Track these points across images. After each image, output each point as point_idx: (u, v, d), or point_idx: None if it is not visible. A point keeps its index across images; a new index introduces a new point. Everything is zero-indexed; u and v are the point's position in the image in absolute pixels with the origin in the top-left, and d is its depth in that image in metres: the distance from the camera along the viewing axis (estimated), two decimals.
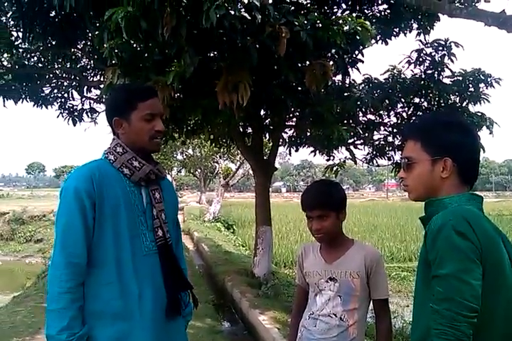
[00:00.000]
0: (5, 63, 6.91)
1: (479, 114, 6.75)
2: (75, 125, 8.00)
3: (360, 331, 1.99)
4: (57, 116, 7.98)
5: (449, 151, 1.41)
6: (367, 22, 4.63)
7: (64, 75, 7.57)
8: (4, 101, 6.94)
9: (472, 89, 6.68)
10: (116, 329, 1.74)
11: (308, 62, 5.11)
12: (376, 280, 1.98)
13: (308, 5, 5.55)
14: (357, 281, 1.97)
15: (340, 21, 4.54)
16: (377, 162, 7.87)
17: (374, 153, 7.71)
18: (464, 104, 6.75)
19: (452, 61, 6.52)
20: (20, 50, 6.82)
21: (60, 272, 1.68)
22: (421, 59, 6.67)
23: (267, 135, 7.80)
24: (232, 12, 3.80)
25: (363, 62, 5.93)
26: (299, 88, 5.83)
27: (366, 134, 7.30)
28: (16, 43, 6.51)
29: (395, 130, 7.20)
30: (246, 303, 5.91)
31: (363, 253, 2.01)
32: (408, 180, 1.50)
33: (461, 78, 6.71)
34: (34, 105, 7.58)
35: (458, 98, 6.80)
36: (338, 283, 1.99)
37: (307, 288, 2.14)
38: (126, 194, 1.80)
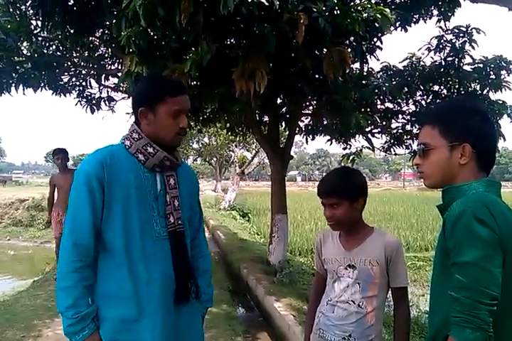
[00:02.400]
0: (24, 51, 6.96)
1: (500, 102, 6.63)
2: (93, 113, 8.07)
3: (378, 318, 1.99)
4: (76, 104, 8.06)
5: (467, 137, 1.39)
6: (386, 9, 4.55)
7: (82, 64, 7.60)
8: (24, 89, 7.00)
9: (493, 77, 6.54)
10: (124, 312, 1.78)
11: (325, 50, 5.06)
12: (395, 269, 1.98)
13: None
14: (376, 269, 1.97)
15: (359, 8, 4.46)
16: (394, 151, 7.80)
17: (392, 141, 7.64)
18: (485, 91, 6.62)
19: (473, 48, 6.40)
20: (40, 39, 6.86)
21: (68, 253, 1.73)
22: (441, 46, 6.55)
23: (283, 123, 7.77)
24: None
25: (381, 49, 5.85)
26: (317, 76, 5.78)
27: (384, 122, 7.22)
28: (35, 32, 6.55)
29: (413, 118, 7.11)
30: (261, 290, 5.94)
31: (383, 242, 2.00)
32: (424, 167, 1.48)
33: (481, 65, 6.58)
34: (53, 93, 7.65)
35: (478, 85, 6.67)
36: (357, 271, 1.99)
37: (325, 275, 2.14)
38: (140, 179, 1.82)
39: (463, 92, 6.58)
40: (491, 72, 6.56)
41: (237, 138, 15.03)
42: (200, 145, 27.25)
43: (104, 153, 1.82)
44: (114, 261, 1.78)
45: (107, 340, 1.77)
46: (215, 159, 29.99)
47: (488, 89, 6.60)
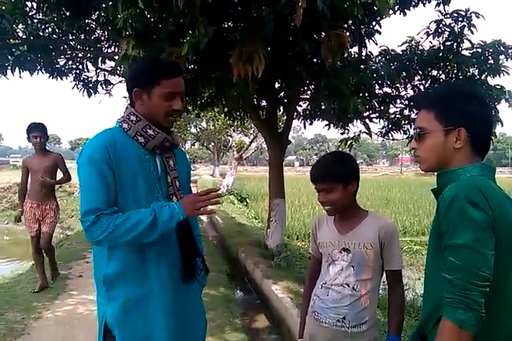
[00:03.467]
0: (20, 34, 6.88)
1: (498, 87, 6.60)
2: (89, 97, 8.01)
3: (373, 301, 2.02)
4: (72, 88, 8.00)
5: (463, 121, 1.40)
6: None
7: (78, 46, 7.52)
8: (20, 72, 6.94)
9: (492, 61, 6.51)
10: (133, 291, 1.80)
11: (324, 33, 5.02)
12: (390, 252, 2.00)
13: None
14: (370, 252, 1.99)
15: None
16: (392, 136, 7.78)
17: (389, 126, 7.62)
18: (483, 76, 6.59)
19: (472, 32, 6.34)
20: (35, 21, 6.76)
21: (93, 229, 1.71)
22: (440, 30, 6.49)
23: (281, 108, 7.74)
24: None
25: (380, 33, 5.82)
26: (315, 60, 5.75)
27: (382, 107, 7.20)
28: (31, 14, 6.45)
29: (411, 103, 7.08)
30: (259, 273, 6.00)
31: (378, 225, 2.02)
32: (420, 151, 1.49)
33: (480, 50, 6.54)
34: (49, 76, 7.58)
35: (477, 70, 6.62)
36: (351, 254, 2.01)
37: (320, 258, 2.16)
38: (142, 162, 1.83)
39: (461, 77, 6.54)
40: (490, 57, 6.52)
41: (235, 123, 14.98)
42: (198, 130, 27.22)
43: (107, 136, 1.82)
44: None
45: (116, 320, 1.79)
46: (213, 144, 29.97)
47: (486, 74, 6.56)
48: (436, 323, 1.33)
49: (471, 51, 6.61)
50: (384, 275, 2.07)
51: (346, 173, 2.03)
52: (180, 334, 1.88)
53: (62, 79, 7.73)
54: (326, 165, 2.06)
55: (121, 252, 1.80)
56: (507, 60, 6.55)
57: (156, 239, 1.74)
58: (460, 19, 6.33)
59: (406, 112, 7.31)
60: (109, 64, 7.88)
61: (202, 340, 2.08)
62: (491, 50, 6.50)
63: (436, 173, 1.49)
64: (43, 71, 7.36)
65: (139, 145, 1.84)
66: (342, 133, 7.95)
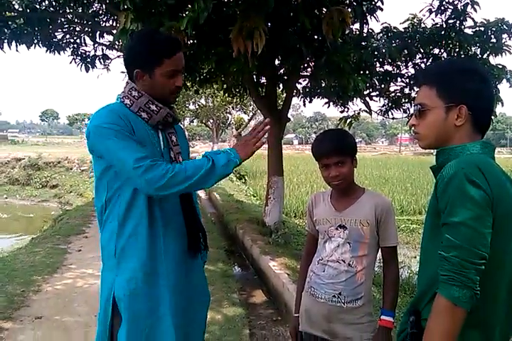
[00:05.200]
0: (16, 6, 6.77)
1: (500, 67, 6.55)
2: (87, 71, 7.93)
3: (368, 277, 2.04)
4: (70, 62, 7.90)
5: (464, 99, 1.37)
6: None
7: (76, 20, 7.41)
8: (17, 45, 6.85)
9: (494, 40, 6.44)
10: (141, 265, 1.81)
11: (325, 9, 4.95)
12: (385, 228, 2.01)
13: None
14: (366, 229, 2.00)
15: None
16: (392, 114, 7.76)
17: (390, 105, 7.59)
18: (485, 55, 6.53)
19: (475, 10, 6.27)
20: None
21: (149, 166, 1.68)
22: (443, 7, 6.42)
23: (281, 85, 7.68)
24: None
25: (382, 9, 5.74)
26: (316, 36, 5.69)
27: (382, 85, 7.15)
28: None
29: (412, 81, 7.04)
30: (257, 250, 6.07)
31: (374, 202, 2.02)
32: (420, 128, 1.47)
33: (483, 28, 6.46)
34: (47, 51, 7.49)
35: (479, 49, 6.57)
36: (347, 231, 2.02)
37: (317, 235, 2.17)
38: (148, 136, 1.83)
39: (463, 56, 6.49)
40: (492, 36, 6.44)
41: (234, 100, 14.90)
42: (197, 107, 27.03)
43: (116, 108, 1.81)
44: (136, 217, 1.80)
45: (123, 294, 1.80)
46: (211, 121, 29.79)
47: (488, 53, 6.50)
48: (431, 299, 1.33)
49: (474, 29, 6.53)
50: (379, 251, 2.09)
51: (352, 147, 2.06)
52: (184, 309, 1.90)
53: (59, 53, 7.65)
54: (335, 139, 2.06)
55: (131, 227, 1.81)
56: (510, 39, 6.49)
57: (213, 184, 1.77)
58: None
59: (406, 90, 7.28)
60: (107, 38, 7.81)
61: (204, 315, 2.12)
62: (493, 29, 6.43)
63: (435, 151, 1.48)
64: (40, 45, 7.27)
65: (143, 121, 1.83)
66: (342, 112, 7.92)
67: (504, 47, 6.46)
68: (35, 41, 7.13)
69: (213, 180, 1.74)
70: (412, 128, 1.51)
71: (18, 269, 5.45)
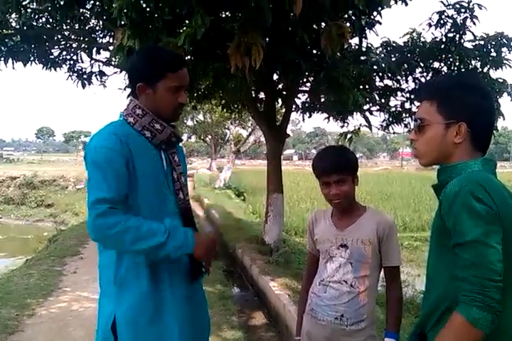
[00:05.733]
0: (13, 24, 6.80)
1: (501, 80, 6.53)
2: (84, 88, 7.96)
3: (371, 298, 2.01)
4: (67, 79, 7.94)
5: (465, 115, 1.37)
6: None
7: (73, 37, 7.44)
8: (13, 63, 6.86)
9: (494, 54, 6.44)
10: (146, 292, 1.74)
11: (324, 24, 4.93)
12: (388, 248, 1.99)
13: None
14: (368, 248, 1.98)
15: None
16: (393, 129, 7.72)
17: (390, 119, 7.55)
18: (485, 69, 6.53)
19: (475, 24, 6.27)
20: (29, 11, 6.69)
21: (104, 222, 1.62)
22: (442, 21, 6.39)
23: (280, 100, 7.67)
24: None
25: (381, 23, 5.73)
26: (314, 51, 5.68)
27: (383, 100, 7.14)
28: (24, 3, 6.39)
29: (412, 96, 7.02)
30: (256, 270, 5.96)
31: (376, 221, 2.01)
32: (419, 143, 1.46)
33: (483, 42, 6.48)
34: (43, 67, 7.52)
35: (479, 63, 6.56)
36: (349, 250, 2.00)
37: (318, 255, 2.15)
38: (151, 156, 1.80)
39: (463, 70, 6.49)
40: (492, 50, 6.45)
41: (233, 116, 14.90)
42: (195, 123, 27.10)
43: (118, 128, 1.77)
44: None
45: (126, 321, 1.72)
46: (210, 137, 29.85)
47: (488, 66, 6.50)
48: (437, 322, 1.32)
49: (474, 43, 6.55)
50: (382, 271, 2.06)
51: (355, 165, 2.06)
52: (189, 335, 1.85)
53: (56, 70, 7.70)
54: (336, 156, 2.04)
55: (130, 256, 1.74)
56: (509, 53, 6.51)
57: (155, 259, 1.70)
58: (463, 10, 6.23)
59: (407, 105, 7.27)
60: (104, 54, 7.86)
61: (207, 337, 2.06)
62: (493, 43, 6.44)
63: (437, 168, 1.48)
64: (37, 62, 7.32)
65: (146, 140, 1.80)
66: (342, 127, 7.88)
67: (504, 61, 6.46)
68: (32, 58, 7.18)
69: (159, 256, 1.68)
70: (412, 143, 1.52)
71: (12, 292, 5.37)
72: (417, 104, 6.79)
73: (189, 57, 5.28)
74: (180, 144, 2.08)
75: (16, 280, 5.92)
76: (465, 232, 1.22)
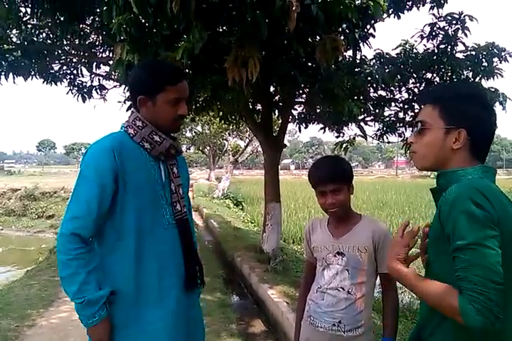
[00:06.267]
0: (14, 39, 6.88)
1: (492, 90, 6.62)
2: (84, 102, 8.00)
3: (368, 304, 2.02)
4: (67, 93, 7.98)
5: (465, 123, 1.38)
6: None
7: (73, 52, 7.51)
8: (14, 77, 6.92)
9: (485, 64, 6.52)
10: (132, 305, 1.78)
11: (318, 37, 5.03)
12: (383, 255, 1.99)
13: None
14: (364, 256, 1.99)
15: None
16: (387, 138, 7.80)
17: (384, 129, 7.63)
18: (477, 79, 6.60)
19: (466, 35, 6.37)
20: (29, 26, 6.78)
21: (67, 241, 1.70)
22: (434, 33, 6.52)
23: (277, 112, 7.74)
24: None
25: (374, 36, 5.83)
26: (309, 63, 5.76)
27: (377, 110, 7.21)
28: (25, 19, 6.47)
29: (406, 106, 7.11)
30: (255, 278, 5.99)
31: (371, 228, 2.03)
32: (417, 146, 1.47)
33: (474, 53, 6.56)
34: (44, 82, 7.57)
35: (471, 73, 6.64)
36: (345, 258, 2.01)
37: (315, 263, 2.16)
38: (148, 168, 1.82)
39: (455, 80, 6.56)
40: (484, 60, 6.53)
41: (231, 127, 14.99)
42: (194, 134, 27.16)
43: (114, 141, 1.79)
44: (122, 252, 1.78)
45: (118, 334, 1.77)
46: (208, 148, 29.90)
47: (480, 76, 6.57)
48: (436, 327, 1.32)
49: (465, 54, 6.64)
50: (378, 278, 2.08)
51: (350, 174, 2.07)
52: None
53: (56, 84, 7.73)
54: (332, 166, 2.07)
55: (118, 264, 1.78)
56: (501, 63, 6.58)
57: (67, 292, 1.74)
58: (454, 22, 6.35)
59: (401, 115, 7.33)
60: (104, 69, 7.89)
61: None
62: (484, 53, 6.52)
63: (432, 174, 1.47)
64: (37, 76, 7.35)
65: (144, 152, 1.83)
66: (337, 137, 7.96)
67: (496, 71, 6.53)
68: (32, 73, 7.21)
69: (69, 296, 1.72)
70: (409, 146, 1.51)
71: (12, 303, 5.35)
72: (410, 114, 6.93)
73: (187, 70, 5.37)
74: (182, 155, 2.08)
75: (17, 291, 5.90)
76: (464, 236, 1.22)
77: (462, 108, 1.40)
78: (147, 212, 1.79)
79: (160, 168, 1.87)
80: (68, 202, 1.77)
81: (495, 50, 6.53)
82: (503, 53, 6.53)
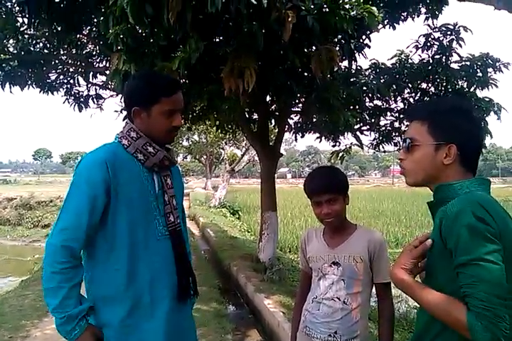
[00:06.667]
0: (11, 49, 6.91)
1: (487, 99, 6.68)
2: (80, 111, 8.03)
3: (364, 314, 2.01)
4: (64, 102, 8.01)
5: (455, 138, 1.38)
6: (373, 7, 4.56)
7: (70, 61, 7.55)
8: (11, 87, 6.94)
9: (480, 74, 6.60)
10: (124, 315, 1.77)
11: (314, 48, 5.06)
12: (379, 265, 2.00)
13: None
14: (360, 265, 1.99)
15: (347, 6, 4.47)
16: (383, 148, 7.84)
17: (380, 138, 7.68)
18: (472, 89, 6.67)
19: (460, 46, 6.44)
20: (26, 36, 6.82)
21: (54, 253, 1.69)
22: (429, 44, 6.59)
23: (273, 121, 7.78)
24: None
25: (369, 47, 5.86)
26: (305, 73, 5.79)
27: (372, 120, 7.26)
28: (22, 29, 6.50)
29: (401, 115, 7.16)
30: (251, 288, 5.96)
31: (367, 238, 2.03)
32: (407, 163, 1.46)
33: (469, 63, 6.64)
34: (40, 91, 7.60)
35: (466, 83, 6.71)
36: (341, 268, 2.01)
37: (310, 273, 2.16)
38: (141, 179, 1.82)
39: (450, 90, 6.62)
40: (478, 70, 6.61)
41: (227, 136, 15.01)
42: (190, 143, 27.21)
43: (107, 152, 1.79)
44: (115, 262, 1.76)
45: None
46: (205, 157, 29.94)
47: (475, 86, 6.64)
48: (435, 337, 1.32)
49: (460, 64, 6.71)
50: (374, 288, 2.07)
51: (345, 185, 2.08)
52: None
53: (53, 93, 7.76)
54: (327, 176, 2.07)
55: (109, 275, 1.77)
56: (495, 73, 6.64)
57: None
58: (448, 33, 6.42)
59: (396, 124, 7.38)
60: (101, 78, 7.94)
61: None
62: (479, 63, 6.60)
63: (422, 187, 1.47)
64: (34, 86, 7.38)
65: (138, 163, 1.82)
66: (333, 146, 7.99)
67: (490, 81, 6.60)
68: (29, 82, 7.25)
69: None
70: (400, 162, 1.51)
71: (6, 314, 5.30)
72: (406, 123, 6.96)
73: (184, 80, 5.39)
74: (177, 165, 2.08)
75: (11, 302, 5.85)
76: (468, 251, 1.21)
77: (451, 122, 1.40)
78: (140, 223, 1.78)
79: (153, 179, 1.86)
80: (59, 212, 1.76)
81: (489, 61, 6.62)
82: (497, 63, 6.61)
